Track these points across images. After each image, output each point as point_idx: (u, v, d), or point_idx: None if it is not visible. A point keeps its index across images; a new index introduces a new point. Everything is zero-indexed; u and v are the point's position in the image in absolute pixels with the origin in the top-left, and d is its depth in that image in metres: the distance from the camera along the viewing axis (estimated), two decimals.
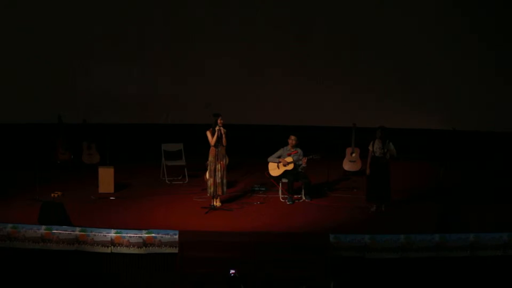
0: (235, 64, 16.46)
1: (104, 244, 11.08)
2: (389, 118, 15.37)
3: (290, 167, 13.35)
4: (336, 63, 16.49)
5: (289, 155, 13.39)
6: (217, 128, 12.67)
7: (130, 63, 16.40)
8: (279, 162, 13.39)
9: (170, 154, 14.68)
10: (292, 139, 13.38)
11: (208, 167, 12.91)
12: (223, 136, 12.72)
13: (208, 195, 12.91)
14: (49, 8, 15.95)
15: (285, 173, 13.37)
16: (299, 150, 13.43)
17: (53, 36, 15.98)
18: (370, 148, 12.87)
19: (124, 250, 11.09)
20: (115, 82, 16.42)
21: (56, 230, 11.16)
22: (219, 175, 12.76)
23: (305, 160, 13.26)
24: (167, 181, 14.36)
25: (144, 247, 11.08)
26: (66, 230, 11.17)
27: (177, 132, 15.62)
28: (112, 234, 11.10)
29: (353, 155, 15.06)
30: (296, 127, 14.93)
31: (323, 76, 16.46)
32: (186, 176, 14.51)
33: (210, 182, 12.86)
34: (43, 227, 11.20)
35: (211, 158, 12.85)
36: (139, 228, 11.31)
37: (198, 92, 16.46)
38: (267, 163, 13.48)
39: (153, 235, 11.10)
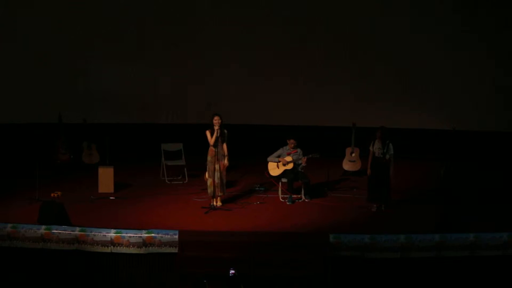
0: (235, 64, 16.46)
1: (104, 244, 11.07)
2: (389, 118, 15.37)
3: (290, 166, 13.34)
4: (336, 63, 16.47)
5: (288, 154, 13.38)
6: (216, 128, 12.67)
7: (130, 63, 16.39)
8: (279, 161, 13.38)
9: (170, 154, 14.68)
10: (291, 143, 13.37)
11: (207, 167, 12.91)
12: (225, 136, 12.73)
13: (209, 194, 12.91)
14: (49, 8, 15.96)
15: (285, 173, 13.36)
16: (298, 150, 13.42)
17: (53, 36, 15.99)
18: (371, 148, 12.90)
19: (124, 250, 11.08)
20: (115, 82, 16.42)
21: (56, 230, 11.15)
22: (218, 175, 12.76)
23: (305, 160, 13.25)
24: (167, 181, 14.35)
25: (144, 247, 11.07)
26: (66, 230, 11.15)
27: (177, 132, 15.62)
28: (112, 234, 11.09)
29: (353, 155, 15.05)
30: (296, 127, 14.92)
31: (323, 76, 16.44)
32: (186, 176, 14.50)
33: (209, 182, 12.86)
34: (43, 227, 11.19)
35: (209, 158, 12.84)
36: (139, 228, 11.31)
37: (198, 92, 16.46)
38: (267, 162, 13.48)
39: (153, 235, 11.08)
